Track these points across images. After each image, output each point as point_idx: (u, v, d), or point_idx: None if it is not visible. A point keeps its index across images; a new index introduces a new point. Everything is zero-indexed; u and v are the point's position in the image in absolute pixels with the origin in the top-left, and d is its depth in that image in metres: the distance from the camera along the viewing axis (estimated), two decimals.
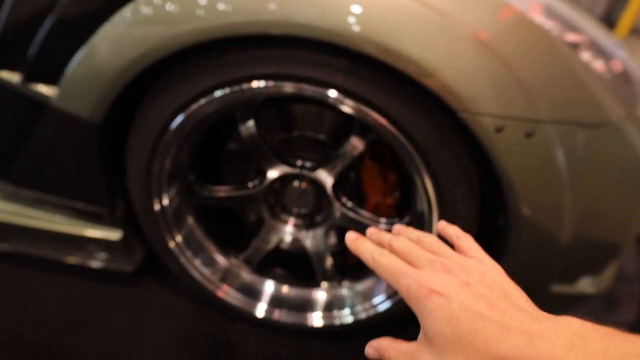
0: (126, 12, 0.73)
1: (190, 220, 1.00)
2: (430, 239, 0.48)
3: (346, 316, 0.97)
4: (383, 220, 0.91)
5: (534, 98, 0.69)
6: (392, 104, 0.70)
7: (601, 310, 1.30)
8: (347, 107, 0.73)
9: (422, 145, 0.73)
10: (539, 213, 0.78)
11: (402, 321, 1.13)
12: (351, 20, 0.65)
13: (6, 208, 1.06)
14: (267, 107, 0.94)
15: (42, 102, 0.83)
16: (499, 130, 0.70)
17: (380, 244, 0.49)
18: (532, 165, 0.73)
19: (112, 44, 0.75)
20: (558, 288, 0.94)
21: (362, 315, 0.95)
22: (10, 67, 0.83)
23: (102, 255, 1.10)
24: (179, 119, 0.81)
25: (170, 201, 0.95)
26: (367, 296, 0.95)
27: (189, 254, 0.98)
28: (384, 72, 0.69)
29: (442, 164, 0.75)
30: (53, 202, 1.02)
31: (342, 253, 1.09)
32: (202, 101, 0.78)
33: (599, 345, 0.31)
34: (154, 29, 0.72)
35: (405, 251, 0.46)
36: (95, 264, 1.12)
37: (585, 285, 0.97)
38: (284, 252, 1.16)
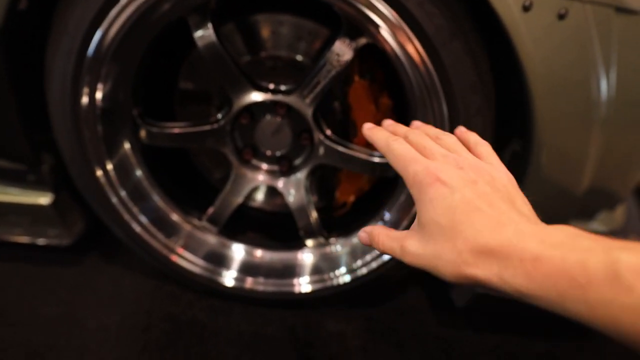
0: None
1: (137, 171, 0.80)
2: (448, 137, 0.48)
3: (342, 275, 0.81)
4: (377, 154, 0.75)
5: None
6: None
7: None
8: None
9: (430, 35, 0.57)
10: (565, 126, 0.64)
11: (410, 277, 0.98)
12: None
13: None
14: (227, 22, 0.76)
15: None
16: (527, 7, 0.55)
17: (395, 135, 0.49)
18: (563, 57, 0.58)
19: None
20: (575, 224, 0.82)
21: (363, 271, 0.79)
22: None
23: (29, 226, 0.88)
24: (99, 33, 0.61)
25: (110, 147, 0.75)
26: (368, 247, 0.79)
27: (135, 210, 0.79)
28: None
29: (455, 64, 0.59)
30: None
31: (328, 206, 0.92)
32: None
33: (587, 243, 0.32)
34: None
35: (421, 143, 0.45)
36: (20, 238, 0.90)
37: (599, 223, 0.85)
38: (255, 213, 0.98)
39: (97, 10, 0.60)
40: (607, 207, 0.82)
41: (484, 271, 0.35)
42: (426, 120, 0.65)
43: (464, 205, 0.37)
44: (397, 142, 0.45)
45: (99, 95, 0.69)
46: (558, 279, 0.31)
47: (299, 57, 0.77)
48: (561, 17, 0.56)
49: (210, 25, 0.66)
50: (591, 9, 0.57)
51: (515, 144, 0.76)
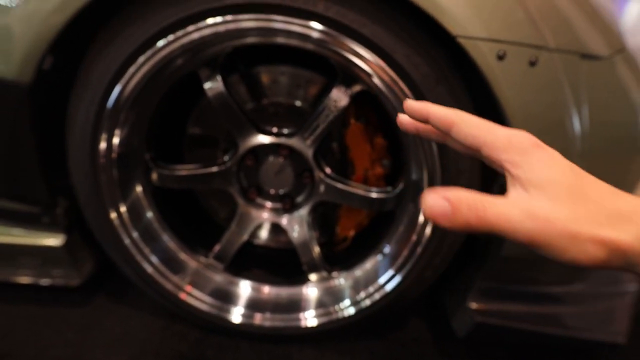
0: None
1: (149, 213, 0.85)
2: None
3: (347, 308, 0.83)
4: (375, 189, 0.80)
5: (537, 22, 0.62)
6: (381, 33, 0.61)
7: None
8: (327, 45, 0.63)
9: (417, 82, 0.64)
10: None
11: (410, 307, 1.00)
12: None
13: None
14: (233, 73, 0.83)
15: None
16: (500, 57, 0.62)
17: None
18: (536, 98, 0.65)
19: None
20: None
21: (366, 302, 0.81)
22: None
23: (39, 267, 0.91)
24: (119, 86, 0.68)
25: (124, 190, 0.80)
26: (370, 279, 0.82)
27: (146, 251, 0.82)
28: None
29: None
30: None
31: (329, 241, 0.96)
32: (145, 56, 0.65)
33: None
34: None
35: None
36: (30, 279, 0.92)
37: None
38: (260, 251, 1.02)
39: (118, 67, 0.67)
40: None
41: (625, 234, 0.30)
42: (418, 158, 0.71)
43: (576, 170, 0.33)
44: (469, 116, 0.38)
45: (115, 141, 0.74)
46: None
47: (299, 103, 0.84)
48: (532, 64, 0.64)
49: (219, 77, 0.73)
50: (559, 57, 0.64)
51: (501, 178, 0.82)
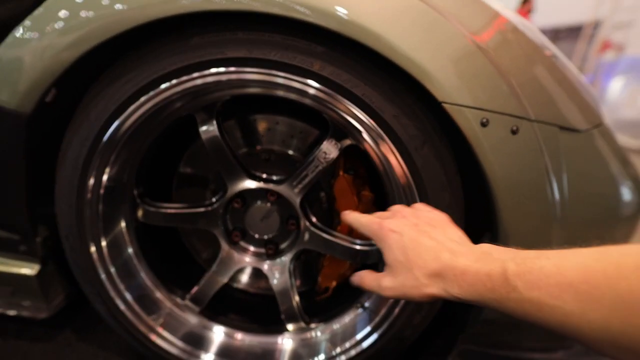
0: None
1: (129, 248, 0.84)
2: (393, 207, 0.64)
3: None
4: (359, 241, 0.80)
5: (519, 95, 0.66)
6: (372, 94, 0.65)
7: None
8: (322, 101, 0.67)
9: (404, 142, 0.66)
10: (527, 223, 0.72)
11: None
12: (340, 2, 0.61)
13: None
14: (229, 118, 0.86)
15: None
16: (484, 124, 0.66)
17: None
18: (517, 164, 0.68)
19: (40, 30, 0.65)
20: None
21: (342, 358, 0.79)
22: None
23: (8, 297, 0.88)
24: (117, 122, 0.70)
25: (107, 224, 0.79)
26: (348, 334, 0.80)
27: (122, 287, 0.80)
28: (364, 58, 0.64)
29: (426, 166, 0.68)
30: None
31: (310, 291, 0.95)
32: (147, 96, 0.68)
33: (495, 255, 0.47)
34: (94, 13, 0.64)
35: (376, 214, 0.63)
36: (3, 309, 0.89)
37: None
38: (238, 295, 1.00)
39: (119, 104, 0.69)
40: None
41: (436, 289, 0.49)
42: None
43: (412, 244, 0.52)
44: (362, 217, 0.62)
45: (105, 177, 0.75)
46: (477, 286, 0.45)
47: (291, 152, 0.86)
48: (514, 132, 0.67)
49: (215, 122, 0.75)
50: (539, 127, 0.68)
51: (486, 237, 0.83)
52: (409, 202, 0.71)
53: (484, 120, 0.66)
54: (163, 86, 0.67)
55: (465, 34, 0.64)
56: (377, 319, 0.77)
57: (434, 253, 0.50)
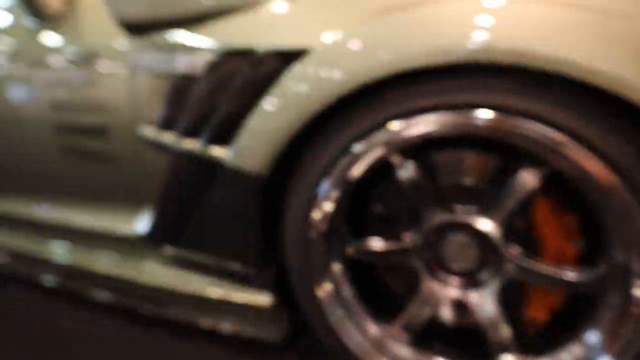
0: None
1: (342, 280, 0.95)
2: None
3: None
4: (569, 270, 0.76)
5: None
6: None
7: None
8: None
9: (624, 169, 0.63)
10: None
11: None
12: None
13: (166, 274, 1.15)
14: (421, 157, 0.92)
15: (215, 163, 0.93)
16: None
17: None
18: None
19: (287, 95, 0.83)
20: None
21: None
22: (191, 135, 0.97)
23: (242, 321, 1.09)
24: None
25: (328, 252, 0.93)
26: None
27: (340, 313, 0.91)
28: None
29: None
30: (209, 265, 1.07)
31: (520, 319, 0.91)
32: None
33: None
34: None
35: None
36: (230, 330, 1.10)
37: None
38: (443, 325, 1.02)
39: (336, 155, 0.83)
40: None
41: None
42: (623, 237, 0.67)
43: None
44: None
45: (326, 215, 0.89)
46: None
47: (484, 185, 0.87)
48: None
49: (412, 163, 0.83)
50: None
51: None
52: (631, 225, 0.66)
53: None
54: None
55: None
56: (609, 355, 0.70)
57: None
